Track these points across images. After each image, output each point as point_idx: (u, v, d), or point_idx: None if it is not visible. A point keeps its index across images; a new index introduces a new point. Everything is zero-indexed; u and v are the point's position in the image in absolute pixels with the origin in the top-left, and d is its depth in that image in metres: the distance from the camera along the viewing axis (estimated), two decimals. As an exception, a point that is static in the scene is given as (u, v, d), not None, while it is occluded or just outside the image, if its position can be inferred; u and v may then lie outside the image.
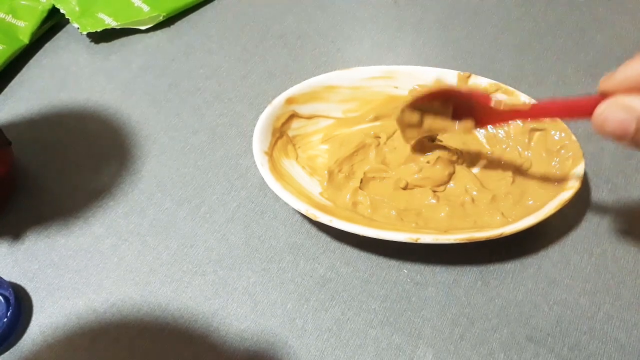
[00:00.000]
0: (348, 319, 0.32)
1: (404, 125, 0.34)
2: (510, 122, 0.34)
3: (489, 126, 0.36)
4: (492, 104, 0.31)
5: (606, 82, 0.24)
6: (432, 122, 0.34)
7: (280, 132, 0.37)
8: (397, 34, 0.47)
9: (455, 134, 0.34)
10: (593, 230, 0.34)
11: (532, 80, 0.42)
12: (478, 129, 0.34)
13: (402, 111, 0.34)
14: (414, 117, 0.34)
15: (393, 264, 0.34)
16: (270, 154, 0.35)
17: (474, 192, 0.35)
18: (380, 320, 0.32)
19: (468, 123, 0.33)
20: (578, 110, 0.27)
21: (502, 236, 0.31)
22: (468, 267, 0.33)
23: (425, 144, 0.36)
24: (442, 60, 0.45)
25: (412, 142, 0.36)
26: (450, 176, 0.36)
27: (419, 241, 0.31)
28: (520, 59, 0.44)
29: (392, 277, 0.33)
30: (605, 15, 0.47)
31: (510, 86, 0.36)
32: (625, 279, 0.32)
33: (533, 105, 0.30)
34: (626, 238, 0.34)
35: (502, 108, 0.31)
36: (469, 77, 0.37)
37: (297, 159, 0.37)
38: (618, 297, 0.32)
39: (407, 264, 0.34)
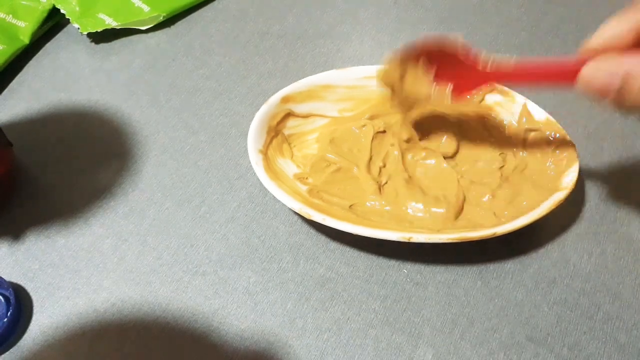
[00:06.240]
0: (348, 319, 0.32)
1: (387, 83, 0.34)
2: (492, 83, 0.34)
3: (468, 94, 0.34)
4: (479, 66, 0.31)
5: (588, 44, 0.26)
6: (411, 85, 0.34)
7: (275, 131, 0.37)
8: (397, 34, 0.47)
9: (429, 105, 0.34)
10: (593, 230, 0.34)
11: (532, 80, 0.42)
12: (455, 98, 0.34)
13: (387, 67, 0.34)
14: (396, 73, 0.34)
15: (393, 264, 0.34)
16: (265, 152, 0.35)
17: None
18: (380, 320, 0.32)
19: (445, 90, 0.33)
20: (563, 75, 0.28)
21: (494, 236, 0.31)
22: (468, 267, 0.34)
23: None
24: (442, 60, 0.45)
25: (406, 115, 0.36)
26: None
27: (412, 240, 0.31)
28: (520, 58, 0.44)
29: (392, 277, 0.33)
30: (605, 15, 0.46)
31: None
32: (625, 279, 0.32)
33: (516, 66, 0.30)
34: (626, 238, 0.34)
35: (487, 69, 0.31)
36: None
37: (292, 157, 0.37)
38: (618, 297, 0.32)
39: (407, 264, 0.34)
